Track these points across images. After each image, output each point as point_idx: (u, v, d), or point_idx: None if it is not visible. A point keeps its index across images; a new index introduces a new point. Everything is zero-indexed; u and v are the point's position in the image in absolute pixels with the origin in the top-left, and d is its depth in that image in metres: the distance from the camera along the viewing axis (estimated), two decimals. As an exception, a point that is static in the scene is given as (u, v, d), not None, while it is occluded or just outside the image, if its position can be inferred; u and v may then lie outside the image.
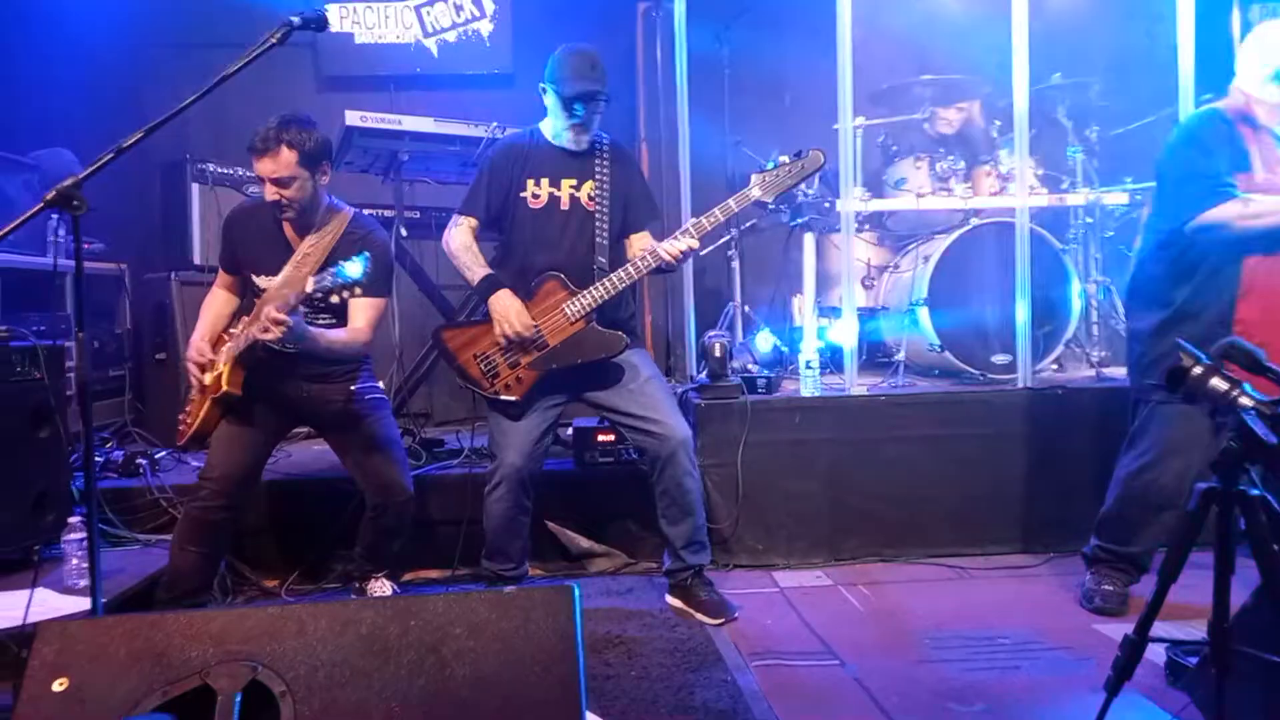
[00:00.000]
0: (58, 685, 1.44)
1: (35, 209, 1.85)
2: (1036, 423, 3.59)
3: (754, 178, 2.85)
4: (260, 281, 2.88)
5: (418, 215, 3.98)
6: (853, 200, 3.87)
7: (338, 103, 4.32)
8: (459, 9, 5.37)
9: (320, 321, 2.84)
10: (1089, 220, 4.22)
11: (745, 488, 3.52)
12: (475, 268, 2.97)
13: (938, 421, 3.59)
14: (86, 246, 4.68)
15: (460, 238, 3.01)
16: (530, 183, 2.97)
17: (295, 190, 2.73)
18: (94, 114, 4.80)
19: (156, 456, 3.84)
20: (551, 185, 2.97)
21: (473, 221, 3.04)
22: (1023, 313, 3.66)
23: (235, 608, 1.42)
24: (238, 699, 1.44)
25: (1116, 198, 4.09)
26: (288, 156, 2.68)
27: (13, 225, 1.85)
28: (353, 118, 3.66)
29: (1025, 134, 3.72)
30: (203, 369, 2.82)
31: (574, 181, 2.97)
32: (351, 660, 1.49)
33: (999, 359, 3.79)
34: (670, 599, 3.12)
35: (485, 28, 5.38)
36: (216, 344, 2.87)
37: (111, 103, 4.92)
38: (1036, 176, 4.07)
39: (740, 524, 3.54)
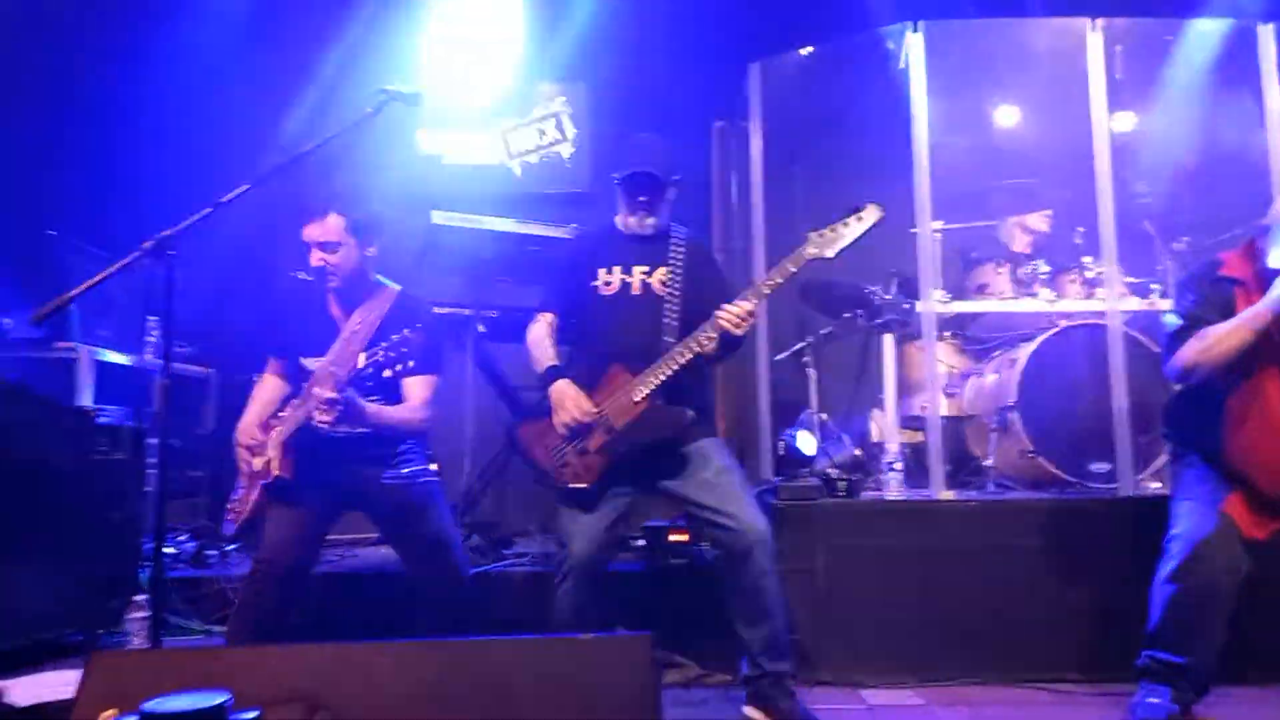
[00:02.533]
0: (105, 717, 1.35)
1: (132, 255, 1.91)
2: (1143, 535, 3.31)
3: (810, 235, 2.77)
4: (308, 363, 2.84)
5: (496, 315, 4.02)
6: (934, 302, 3.79)
7: (426, 219, 4.48)
8: (542, 133, 5.63)
9: (370, 401, 2.78)
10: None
11: (827, 597, 3.30)
12: (543, 360, 2.95)
13: (1035, 530, 3.36)
14: (180, 350, 4.87)
15: (534, 332, 3.02)
16: (602, 271, 2.98)
17: (340, 257, 2.74)
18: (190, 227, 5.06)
19: (227, 550, 3.81)
20: (624, 272, 2.97)
21: (549, 316, 3.04)
22: (1120, 418, 3.47)
23: (298, 645, 1.35)
24: (290, 740, 1.32)
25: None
26: (335, 222, 2.71)
27: (110, 270, 1.90)
28: (438, 217, 3.79)
29: (1112, 236, 3.65)
30: (253, 453, 2.79)
31: (646, 268, 2.97)
32: (414, 705, 1.37)
33: (1097, 467, 3.57)
34: (748, 710, 2.88)
35: (565, 150, 5.61)
36: (267, 429, 2.82)
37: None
38: (1126, 284, 3.95)
39: (823, 636, 3.30)
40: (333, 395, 2.46)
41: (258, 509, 2.75)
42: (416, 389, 2.78)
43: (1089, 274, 3.95)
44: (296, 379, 2.88)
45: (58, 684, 2.46)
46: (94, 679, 1.39)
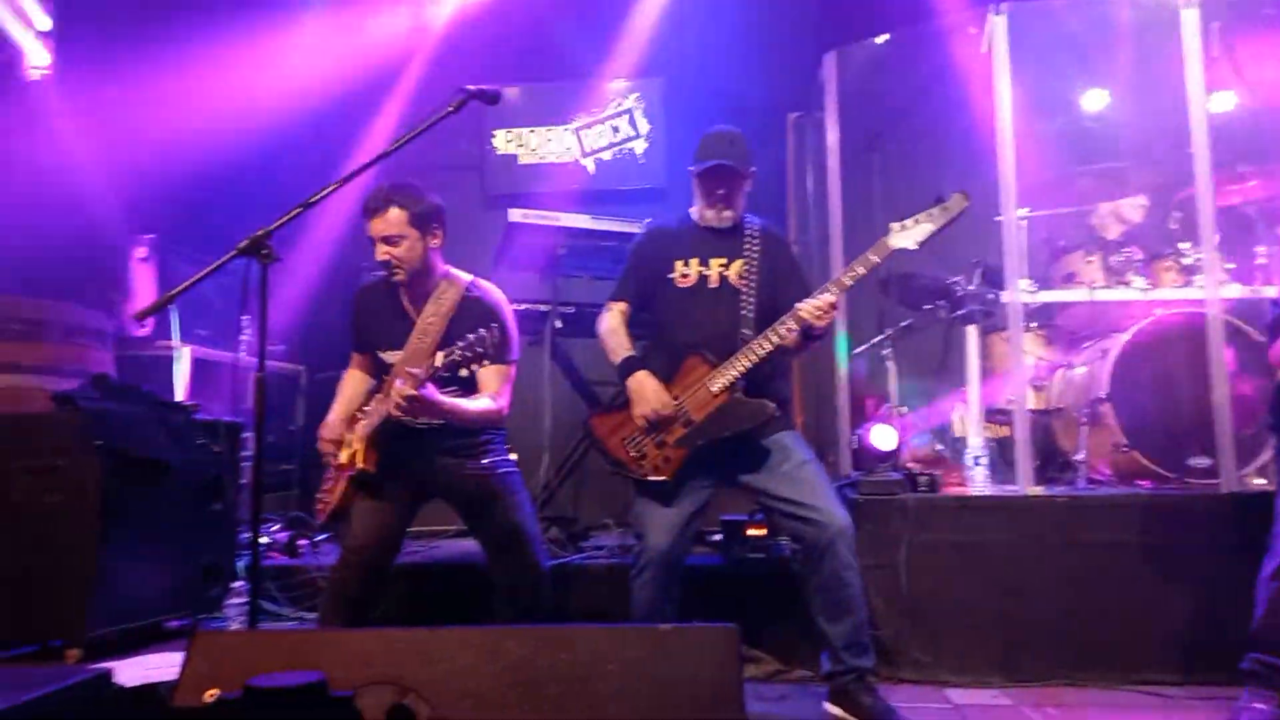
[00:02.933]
0: (209, 696, 1.41)
1: (228, 255, 1.99)
2: (1247, 533, 3.16)
3: (893, 226, 2.72)
4: (387, 357, 2.89)
5: (572, 310, 4.06)
6: (1020, 292, 3.68)
7: (502, 217, 4.56)
8: (615, 130, 5.65)
9: (448, 394, 2.80)
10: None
11: (910, 593, 3.24)
12: (619, 350, 2.95)
13: (1128, 527, 3.23)
14: (272, 349, 5.05)
15: (608, 322, 3.03)
16: (679, 264, 2.97)
17: (404, 250, 2.76)
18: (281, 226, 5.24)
19: (318, 540, 3.94)
20: (701, 265, 2.96)
21: (622, 306, 3.05)
22: (1221, 410, 3.31)
23: (388, 629, 1.38)
24: (382, 722, 1.36)
25: (1322, 288, 3.72)
26: (397, 215, 2.73)
27: (207, 270, 1.98)
28: (515, 215, 3.84)
29: (1211, 220, 3.47)
30: (338, 446, 2.86)
31: (723, 260, 2.96)
32: (499, 691, 1.40)
33: (1196, 462, 3.42)
34: (829, 706, 2.85)
35: (640, 146, 5.63)
36: (351, 423, 2.89)
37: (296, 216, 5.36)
38: (1226, 271, 3.77)
39: (905, 633, 3.24)
40: (412, 393, 2.50)
41: (345, 500, 2.82)
42: (492, 380, 2.81)
43: (1185, 260, 3.78)
44: (378, 373, 2.95)
45: (163, 665, 2.59)
46: (196, 659, 1.46)
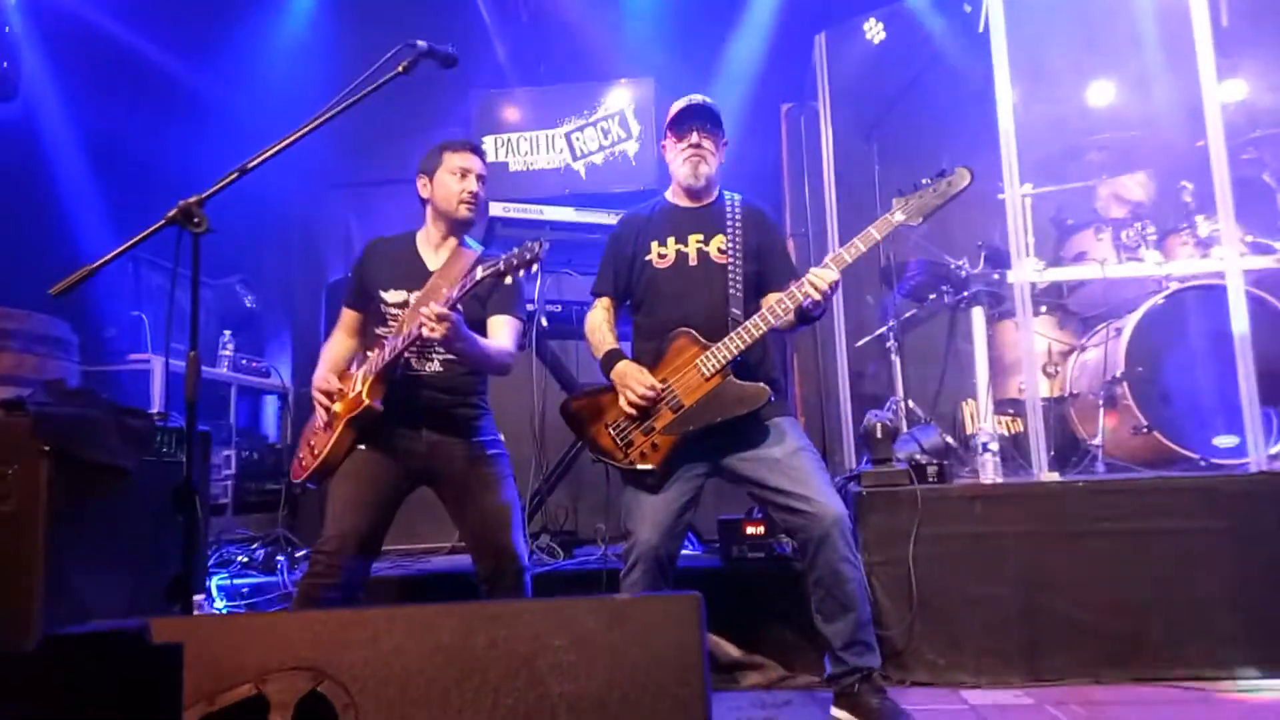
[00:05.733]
0: (99, 688, 1.23)
1: (157, 224, 1.84)
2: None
3: (895, 201, 2.59)
4: (390, 296, 2.82)
5: (559, 309, 3.90)
6: (1027, 270, 3.49)
7: (495, 227, 4.42)
8: (606, 133, 5.52)
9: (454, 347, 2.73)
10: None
11: (920, 590, 3.02)
12: (601, 346, 2.83)
13: (1153, 512, 3.01)
14: (254, 365, 4.92)
15: (591, 319, 2.91)
16: (655, 244, 2.83)
17: (482, 194, 2.88)
18: (262, 247, 5.14)
19: (297, 555, 3.77)
20: (678, 243, 2.82)
21: (605, 301, 2.92)
22: (1247, 386, 3.10)
23: (308, 611, 1.23)
24: (293, 711, 1.18)
25: (1347, 255, 3.52)
26: (481, 166, 2.88)
27: (133, 241, 1.83)
28: (495, 208, 3.70)
29: (1228, 188, 3.28)
30: (330, 398, 2.75)
31: (700, 236, 2.81)
32: (428, 673, 1.21)
33: (1222, 441, 3.20)
34: (836, 711, 2.63)
35: (631, 148, 5.48)
36: (344, 378, 2.79)
37: (279, 238, 5.27)
38: (1244, 243, 3.58)
39: (916, 633, 3.03)
40: (444, 310, 2.43)
41: (339, 450, 2.69)
42: (502, 329, 2.77)
43: (1201, 232, 3.59)
44: (374, 323, 2.84)
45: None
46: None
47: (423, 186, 2.90)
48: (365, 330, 2.91)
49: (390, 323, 2.79)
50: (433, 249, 2.89)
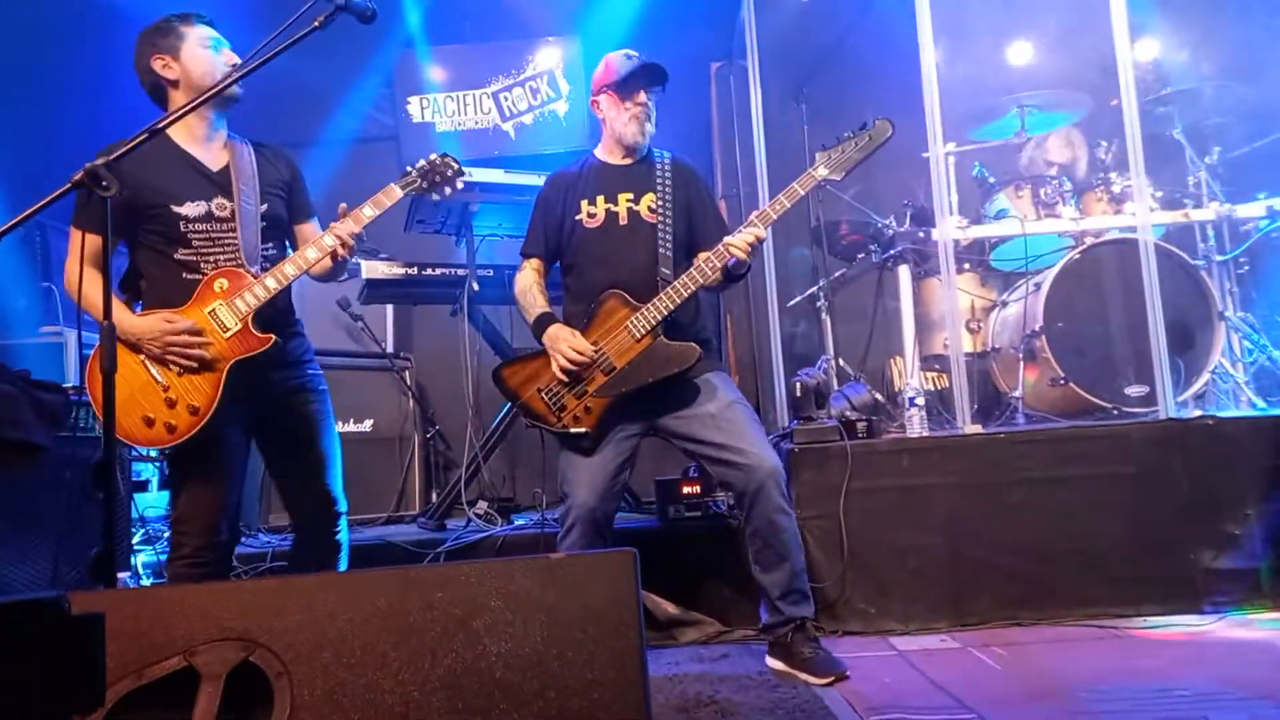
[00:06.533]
0: (18, 667, 1.20)
1: (64, 188, 1.76)
2: (1187, 459, 3.10)
3: (818, 155, 2.63)
4: (187, 210, 2.38)
5: (490, 274, 3.84)
6: (950, 228, 3.57)
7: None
8: (535, 92, 5.43)
9: (269, 251, 2.51)
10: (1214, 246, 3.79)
11: (851, 542, 3.11)
12: (532, 309, 2.81)
13: (1070, 460, 3.14)
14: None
15: (521, 282, 2.89)
16: (584, 204, 2.82)
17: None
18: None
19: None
20: (608, 201, 2.81)
21: (535, 263, 2.90)
22: (1157, 336, 3.23)
23: (235, 581, 1.21)
24: (225, 682, 1.17)
25: (1251, 210, 3.67)
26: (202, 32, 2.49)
27: (38, 206, 1.75)
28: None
29: (1138, 141, 3.39)
30: (190, 335, 2.31)
31: (630, 195, 2.80)
32: (363, 637, 1.21)
33: (1133, 390, 3.34)
34: (771, 661, 2.71)
35: (561, 107, 5.41)
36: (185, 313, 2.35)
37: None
38: (1155, 198, 3.71)
39: (848, 584, 3.12)
40: (359, 230, 2.38)
41: (219, 405, 2.30)
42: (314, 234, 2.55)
43: (1115, 189, 3.71)
44: (168, 235, 2.39)
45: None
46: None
47: (164, 67, 2.42)
48: (136, 257, 2.46)
49: (195, 242, 2.39)
50: (200, 144, 2.46)
